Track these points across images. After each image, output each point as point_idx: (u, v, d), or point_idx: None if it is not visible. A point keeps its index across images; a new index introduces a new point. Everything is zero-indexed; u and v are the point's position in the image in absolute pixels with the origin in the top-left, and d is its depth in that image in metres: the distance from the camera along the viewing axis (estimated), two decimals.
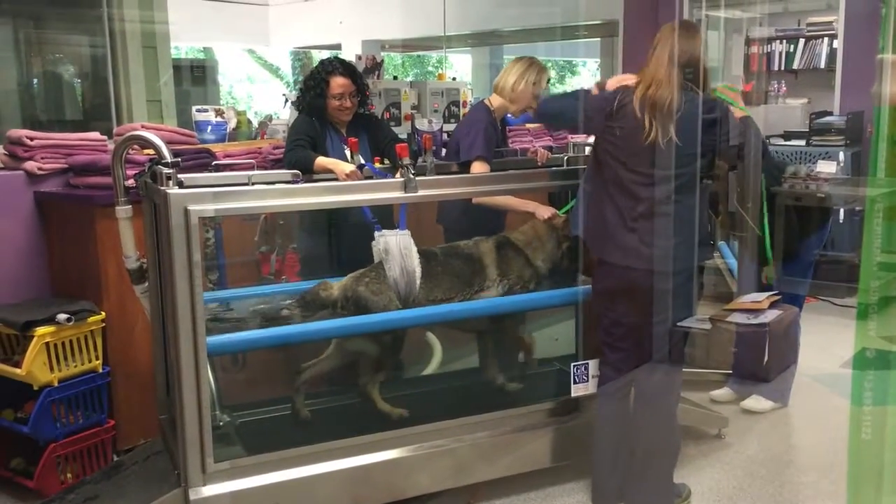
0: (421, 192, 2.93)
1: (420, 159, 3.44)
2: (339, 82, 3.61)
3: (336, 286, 3.13)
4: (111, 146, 3.49)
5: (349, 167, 3.32)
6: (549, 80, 3.71)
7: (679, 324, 3.05)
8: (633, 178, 2.86)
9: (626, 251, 2.89)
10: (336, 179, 3.32)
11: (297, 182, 3.29)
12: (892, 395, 1.75)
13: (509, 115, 4.07)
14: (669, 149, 2.81)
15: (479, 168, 3.53)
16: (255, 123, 4.86)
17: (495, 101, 3.70)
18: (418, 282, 3.09)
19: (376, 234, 3.11)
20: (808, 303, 5.68)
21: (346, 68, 3.64)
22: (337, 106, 3.63)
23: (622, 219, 2.89)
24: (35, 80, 6.31)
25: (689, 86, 2.85)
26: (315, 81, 3.63)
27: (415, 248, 3.10)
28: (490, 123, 3.65)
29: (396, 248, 3.07)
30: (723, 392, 4.12)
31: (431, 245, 3.38)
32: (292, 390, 3.23)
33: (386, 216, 3.31)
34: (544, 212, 3.42)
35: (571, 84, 17.36)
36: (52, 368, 3.15)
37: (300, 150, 3.50)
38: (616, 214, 2.91)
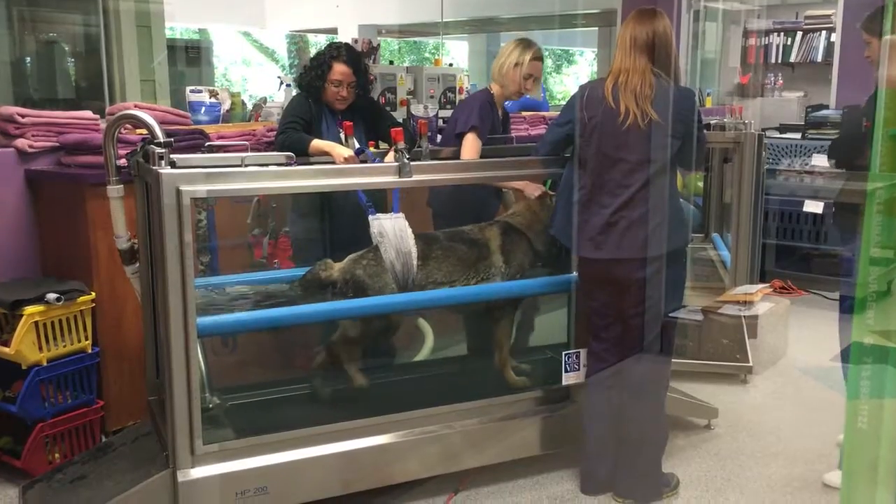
0: (415, 177, 2.92)
1: (415, 144, 3.42)
2: (340, 69, 3.56)
3: (336, 267, 3.12)
4: (103, 125, 3.46)
5: (347, 152, 3.30)
6: (537, 57, 3.64)
7: (671, 315, 3.06)
8: (608, 166, 2.88)
9: (605, 243, 2.89)
10: (332, 162, 3.30)
11: (290, 164, 3.27)
12: (889, 389, 1.75)
13: (507, 103, 4.06)
14: (647, 132, 2.82)
15: (470, 140, 3.53)
16: (250, 106, 4.82)
17: (494, 87, 3.71)
18: (415, 263, 3.07)
19: (370, 217, 3.09)
20: (799, 296, 5.72)
21: (350, 57, 3.59)
22: (334, 93, 3.59)
23: (600, 210, 2.90)
24: (28, 58, 6.25)
25: (658, 72, 2.86)
26: (318, 62, 3.60)
27: (410, 231, 3.09)
28: (488, 102, 3.66)
29: (392, 230, 3.06)
30: (837, 475, 3.18)
31: (424, 229, 3.37)
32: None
33: (381, 201, 3.29)
34: (533, 189, 3.41)
35: (567, 73, 17.33)
36: (40, 348, 3.13)
37: (292, 133, 3.47)
38: (592, 206, 2.92)
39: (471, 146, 3.53)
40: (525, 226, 3.36)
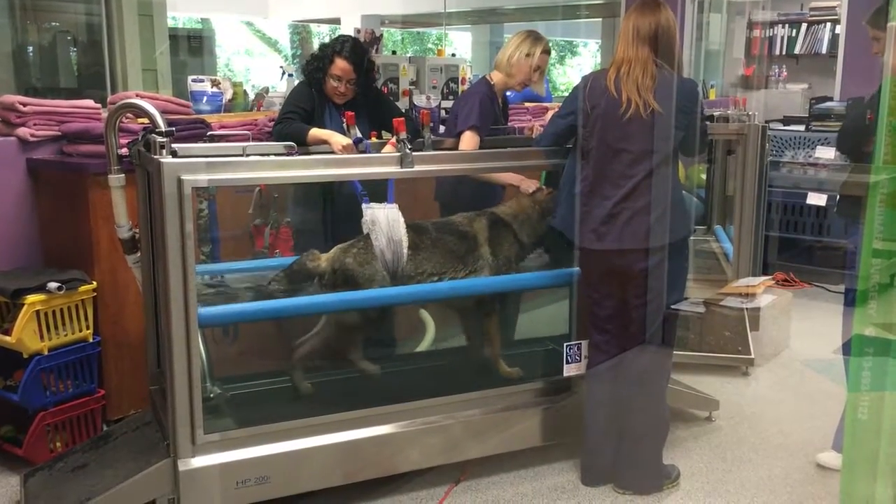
0: (417, 168, 2.91)
1: (419, 135, 3.41)
2: (340, 65, 3.54)
3: (324, 257, 3.12)
4: (105, 114, 3.45)
5: (345, 140, 3.29)
6: (546, 50, 3.65)
7: (673, 306, 3.05)
8: (610, 156, 2.87)
9: (607, 234, 2.89)
10: (331, 151, 3.29)
11: (292, 154, 3.26)
12: (890, 382, 1.74)
13: (510, 94, 4.04)
14: (650, 123, 2.81)
15: (469, 138, 3.52)
16: (252, 95, 4.81)
17: (495, 76, 3.69)
18: (405, 251, 3.07)
19: (364, 206, 3.09)
20: (801, 288, 5.72)
21: (354, 54, 3.55)
22: (333, 87, 3.57)
23: (602, 201, 2.89)
24: (30, 47, 6.24)
25: (660, 63, 2.85)
26: (322, 53, 3.58)
27: (402, 220, 3.08)
28: (488, 95, 3.64)
29: (384, 219, 3.05)
30: (831, 456, 3.26)
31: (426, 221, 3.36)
32: (290, 366, 3.23)
33: (380, 191, 3.28)
34: (529, 185, 3.41)
35: (571, 64, 17.29)
36: (42, 337, 3.13)
37: (290, 124, 3.46)
38: (595, 197, 2.91)
39: (467, 145, 3.53)
40: (511, 217, 3.34)
